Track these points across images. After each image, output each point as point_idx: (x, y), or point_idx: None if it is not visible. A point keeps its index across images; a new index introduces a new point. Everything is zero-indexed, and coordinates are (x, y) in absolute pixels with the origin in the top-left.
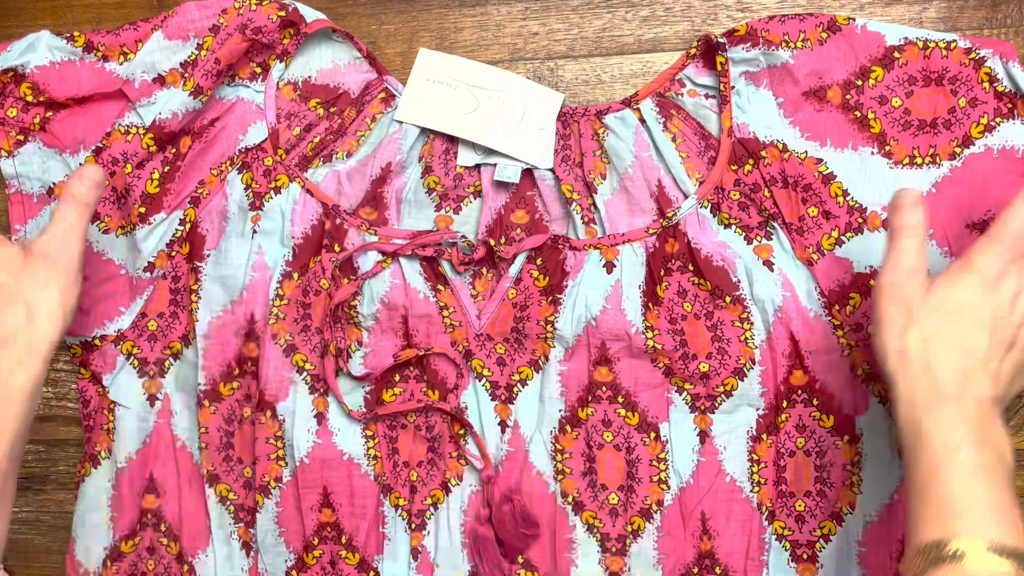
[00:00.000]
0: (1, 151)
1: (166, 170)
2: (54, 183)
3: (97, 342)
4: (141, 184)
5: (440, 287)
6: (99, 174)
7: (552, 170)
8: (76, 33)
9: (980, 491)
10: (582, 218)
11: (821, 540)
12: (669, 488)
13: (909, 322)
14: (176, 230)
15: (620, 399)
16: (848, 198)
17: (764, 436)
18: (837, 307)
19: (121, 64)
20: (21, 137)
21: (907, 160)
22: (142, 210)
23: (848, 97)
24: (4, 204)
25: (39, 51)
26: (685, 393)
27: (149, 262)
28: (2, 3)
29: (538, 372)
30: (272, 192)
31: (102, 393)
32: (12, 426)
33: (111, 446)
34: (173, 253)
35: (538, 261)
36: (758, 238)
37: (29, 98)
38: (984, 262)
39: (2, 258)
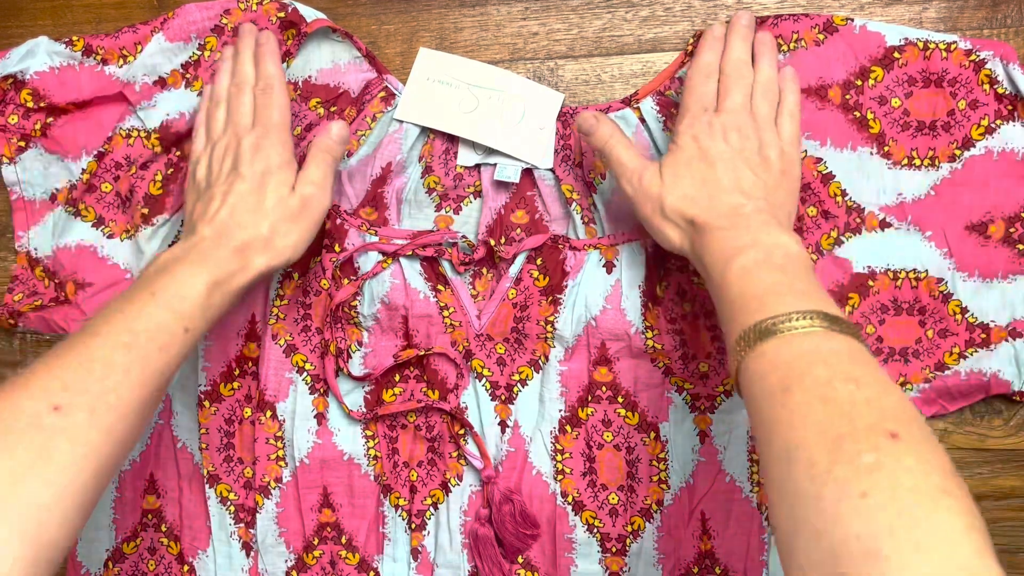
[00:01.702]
0: (3, 158)
1: (169, 171)
2: (56, 188)
3: None
4: (144, 186)
5: (440, 287)
6: (344, 129)
7: (552, 170)
8: (75, 38)
9: (765, 280)
10: (582, 218)
11: None
12: (669, 488)
13: (660, 200)
14: (178, 231)
15: (620, 399)
16: (847, 198)
17: None
18: None
19: (121, 67)
20: (23, 143)
21: (906, 161)
22: (145, 211)
23: (848, 97)
24: (5, 205)
25: (38, 57)
26: (685, 393)
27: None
28: (2, 4)
29: (538, 372)
30: None
31: None
32: (218, 303)
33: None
34: None
35: (538, 261)
36: None
37: (30, 104)
38: (686, 127)
39: (282, 183)
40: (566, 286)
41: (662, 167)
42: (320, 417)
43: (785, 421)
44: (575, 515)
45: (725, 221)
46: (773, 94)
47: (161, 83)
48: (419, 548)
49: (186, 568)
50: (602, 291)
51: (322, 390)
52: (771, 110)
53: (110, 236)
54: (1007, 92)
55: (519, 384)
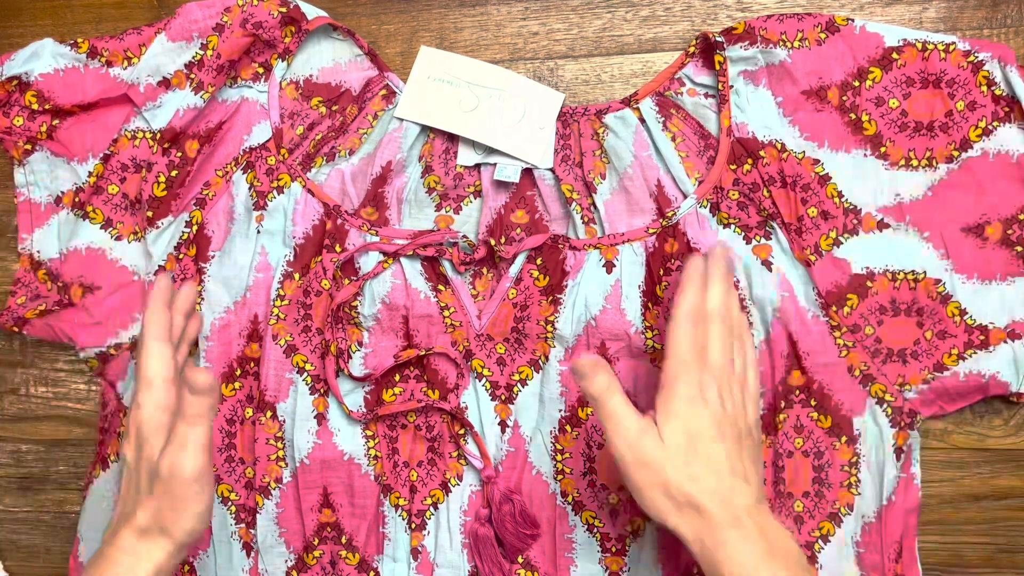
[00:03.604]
0: (14, 160)
1: (173, 174)
2: (62, 192)
3: (112, 351)
4: (148, 188)
5: (441, 287)
6: (212, 382)
7: (552, 170)
8: (80, 40)
9: None
10: (582, 218)
11: (820, 541)
12: None
13: (662, 474)
14: (183, 232)
15: None
16: (843, 199)
17: (763, 436)
18: (834, 308)
19: (125, 69)
20: (29, 146)
21: (903, 162)
22: (149, 214)
23: (844, 99)
24: (5, 205)
25: (43, 59)
26: None
27: (159, 266)
28: (3, 4)
29: (538, 372)
30: (275, 191)
31: (119, 397)
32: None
33: (120, 450)
34: (181, 256)
35: (538, 261)
36: (757, 238)
37: (35, 106)
38: (684, 386)
39: (152, 427)
40: (566, 286)
41: (661, 430)
42: (320, 417)
43: None
44: (575, 515)
45: (731, 514)
46: (739, 339)
47: (165, 84)
48: (419, 548)
49: (187, 568)
50: (602, 291)
51: (322, 390)
52: (740, 359)
53: (118, 238)
54: (1004, 94)
55: (519, 384)
